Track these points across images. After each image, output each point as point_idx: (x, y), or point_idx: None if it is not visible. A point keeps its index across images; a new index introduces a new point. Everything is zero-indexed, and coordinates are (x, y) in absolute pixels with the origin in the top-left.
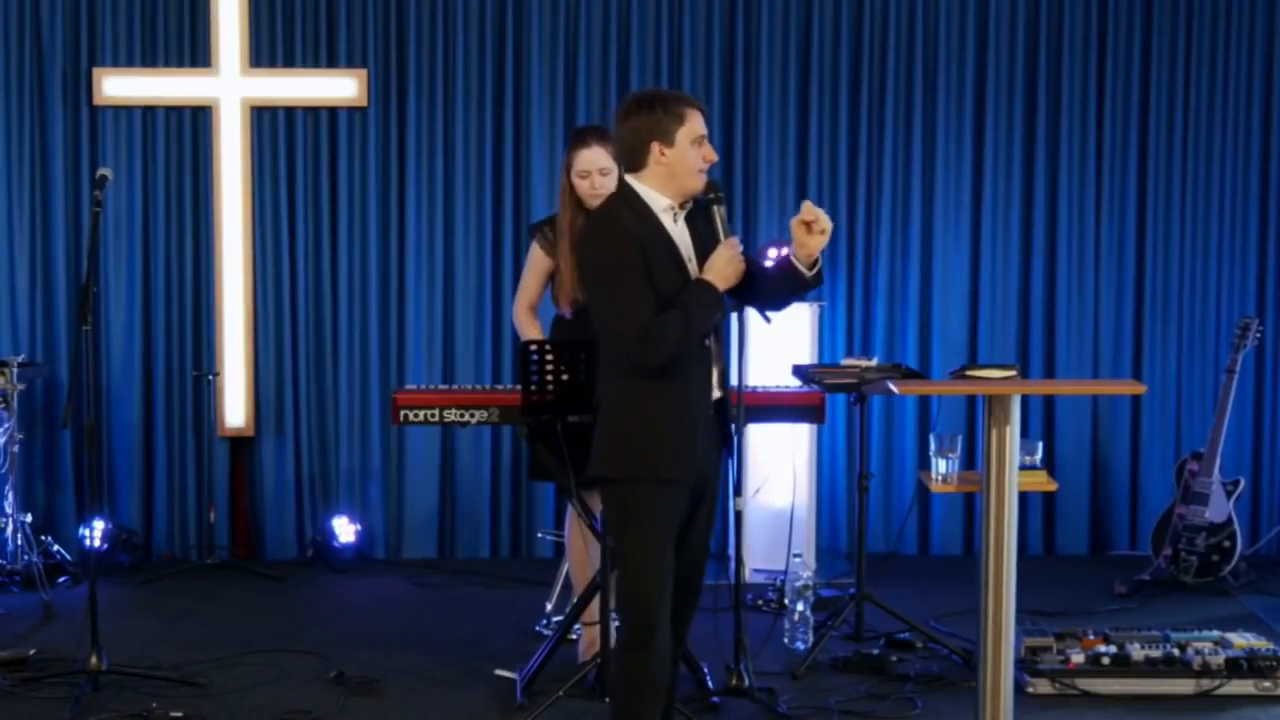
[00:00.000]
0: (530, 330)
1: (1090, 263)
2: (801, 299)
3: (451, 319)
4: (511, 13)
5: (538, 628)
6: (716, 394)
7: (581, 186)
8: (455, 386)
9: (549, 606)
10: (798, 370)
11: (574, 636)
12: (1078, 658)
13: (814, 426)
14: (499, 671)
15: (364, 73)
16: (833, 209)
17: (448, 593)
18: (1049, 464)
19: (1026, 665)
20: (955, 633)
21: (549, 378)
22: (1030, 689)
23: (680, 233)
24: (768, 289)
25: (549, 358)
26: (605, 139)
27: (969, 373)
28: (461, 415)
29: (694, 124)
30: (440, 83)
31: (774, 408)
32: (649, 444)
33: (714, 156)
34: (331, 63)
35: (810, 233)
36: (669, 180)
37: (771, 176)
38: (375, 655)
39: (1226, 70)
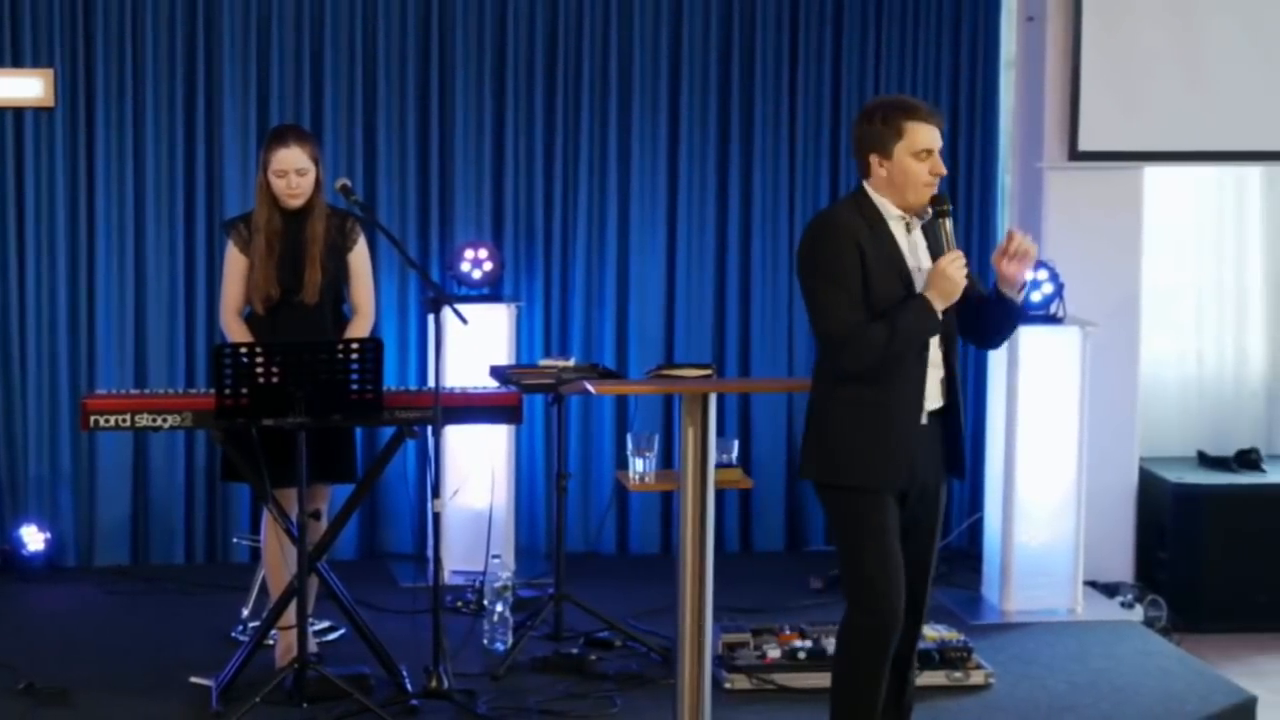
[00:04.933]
0: (239, 335)
1: (785, 262)
2: (1014, 328)
3: (144, 322)
4: (202, 10)
5: (234, 634)
6: (937, 404)
7: (277, 185)
8: (147, 391)
9: (245, 612)
10: (495, 371)
11: (271, 641)
12: (774, 653)
13: (512, 427)
14: (194, 679)
15: (50, 72)
16: (529, 209)
17: (141, 599)
18: (744, 462)
19: (724, 661)
20: (654, 630)
21: (243, 381)
22: (728, 684)
23: (914, 244)
24: (988, 316)
25: (243, 361)
26: (305, 139)
27: (665, 372)
28: (154, 420)
29: (914, 138)
30: (130, 81)
31: (471, 409)
32: (848, 450)
33: (942, 170)
34: (16, 62)
35: (1009, 262)
36: (892, 190)
37: (468, 176)
38: (66, 665)
39: (915, 72)
